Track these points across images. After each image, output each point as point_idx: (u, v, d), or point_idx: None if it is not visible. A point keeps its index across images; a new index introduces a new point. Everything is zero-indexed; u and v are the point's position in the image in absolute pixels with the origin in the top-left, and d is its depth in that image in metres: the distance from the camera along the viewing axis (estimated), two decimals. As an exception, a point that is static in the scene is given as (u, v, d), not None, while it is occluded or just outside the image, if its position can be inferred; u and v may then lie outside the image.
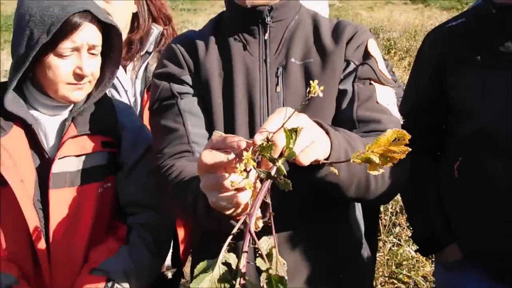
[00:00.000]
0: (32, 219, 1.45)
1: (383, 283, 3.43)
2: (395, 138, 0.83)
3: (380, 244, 3.62)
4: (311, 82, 0.81)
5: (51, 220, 1.48)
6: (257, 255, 0.81)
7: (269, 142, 0.80)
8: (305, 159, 0.86)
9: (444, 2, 16.43)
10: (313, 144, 0.88)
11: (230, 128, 1.33)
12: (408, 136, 0.83)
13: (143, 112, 1.99)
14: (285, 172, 0.80)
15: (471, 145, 1.68)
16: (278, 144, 0.80)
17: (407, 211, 2.16)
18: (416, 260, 3.39)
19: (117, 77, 1.98)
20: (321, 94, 0.81)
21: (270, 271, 0.80)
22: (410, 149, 0.83)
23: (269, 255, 0.82)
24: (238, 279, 0.77)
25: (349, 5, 17.04)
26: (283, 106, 1.32)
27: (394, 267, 3.41)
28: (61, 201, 1.49)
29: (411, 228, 3.10)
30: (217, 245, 1.13)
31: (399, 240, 3.62)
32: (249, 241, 0.79)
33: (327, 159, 0.95)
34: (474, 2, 2.53)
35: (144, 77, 2.02)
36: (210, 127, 1.36)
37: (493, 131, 1.61)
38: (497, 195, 1.64)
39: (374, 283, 2.61)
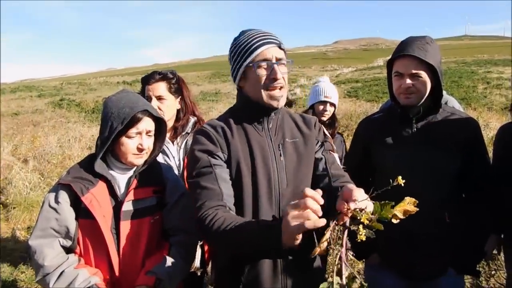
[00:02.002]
0: (110, 241, 1.59)
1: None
2: (408, 202, 1.07)
3: (331, 251, 4.40)
4: (398, 177, 1.04)
5: (121, 241, 1.61)
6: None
7: (364, 209, 1.05)
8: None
9: (368, 97, 19.92)
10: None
11: (254, 183, 1.47)
12: (416, 202, 1.07)
13: (184, 170, 2.24)
14: (381, 226, 1.04)
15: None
16: (370, 209, 1.06)
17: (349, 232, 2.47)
18: (353, 261, 4.26)
19: (168, 149, 2.25)
20: (402, 184, 1.03)
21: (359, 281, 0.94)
22: (418, 209, 1.05)
23: (352, 277, 1.00)
24: None
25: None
26: (285, 168, 1.51)
27: (340, 265, 3.95)
28: (127, 228, 1.63)
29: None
30: (238, 265, 1.40)
31: (343, 249, 4.15)
32: (344, 267, 1.00)
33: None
34: (385, 102, 2.72)
35: (185, 149, 2.31)
36: (238, 185, 1.48)
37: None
38: (399, 226, 1.81)
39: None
